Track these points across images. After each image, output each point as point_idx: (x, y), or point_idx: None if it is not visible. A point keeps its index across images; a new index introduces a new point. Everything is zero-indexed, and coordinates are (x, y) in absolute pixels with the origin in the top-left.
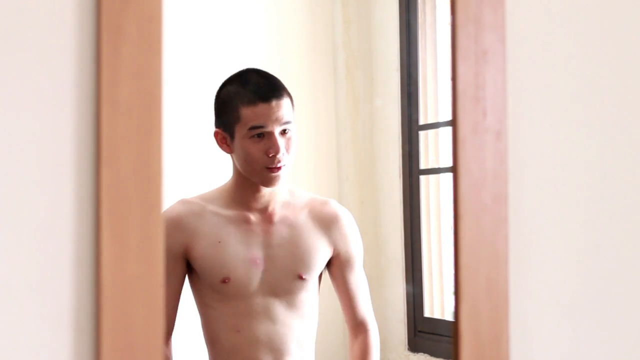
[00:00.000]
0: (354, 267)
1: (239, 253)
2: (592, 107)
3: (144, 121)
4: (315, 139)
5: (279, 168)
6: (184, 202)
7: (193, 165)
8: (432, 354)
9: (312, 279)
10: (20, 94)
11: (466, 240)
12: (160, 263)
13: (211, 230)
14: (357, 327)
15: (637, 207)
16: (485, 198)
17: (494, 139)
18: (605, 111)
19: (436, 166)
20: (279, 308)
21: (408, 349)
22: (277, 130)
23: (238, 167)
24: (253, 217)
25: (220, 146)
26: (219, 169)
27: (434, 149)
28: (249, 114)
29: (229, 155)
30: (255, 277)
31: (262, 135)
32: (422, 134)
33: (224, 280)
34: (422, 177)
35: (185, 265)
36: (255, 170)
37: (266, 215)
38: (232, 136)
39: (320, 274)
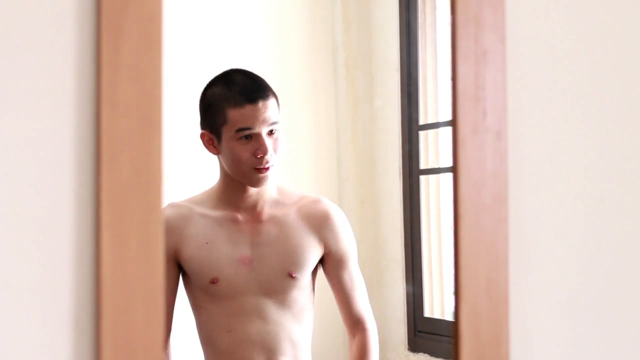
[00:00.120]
0: (346, 265)
1: (227, 253)
2: (592, 107)
3: (144, 121)
4: (315, 139)
5: (267, 168)
6: (172, 205)
7: (193, 165)
8: (432, 354)
9: (303, 277)
10: (21, 94)
11: (466, 240)
12: (160, 263)
13: (199, 231)
14: (355, 326)
15: (637, 207)
16: (485, 198)
17: (494, 139)
18: (606, 111)
19: (436, 166)
20: (270, 307)
21: (408, 349)
22: (264, 131)
23: (225, 168)
24: (241, 216)
25: (207, 148)
26: (218, 169)
27: (434, 149)
28: (235, 115)
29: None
30: (245, 276)
31: (250, 137)
32: (422, 134)
33: (213, 281)
34: (422, 177)
35: (177, 268)
36: (244, 171)
37: (254, 214)
38: (219, 138)
39: (316, 273)
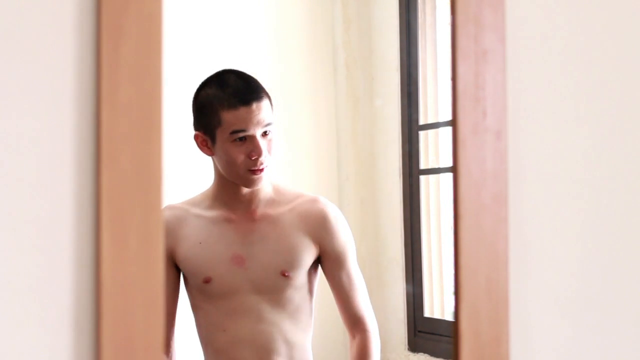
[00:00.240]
0: (343, 265)
1: (220, 252)
2: (592, 107)
3: (144, 121)
4: (315, 139)
5: (262, 170)
6: (169, 207)
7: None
8: (432, 354)
9: (297, 277)
10: (21, 94)
11: (466, 240)
12: (160, 263)
13: (193, 232)
14: (354, 327)
15: (637, 207)
16: (485, 198)
17: (494, 139)
18: (606, 111)
19: (436, 166)
20: (264, 307)
21: (408, 349)
22: (258, 133)
23: (220, 169)
24: (235, 216)
25: (201, 149)
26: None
27: (434, 149)
28: (230, 118)
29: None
30: (238, 275)
31: (244, 139)
32: (422, 134)
33: (206, 280)
34: (422, 177)
35: (175, 269)
36: (238, 173)
37: (248, 213)
38: (213, 139)
39: (315, 274)
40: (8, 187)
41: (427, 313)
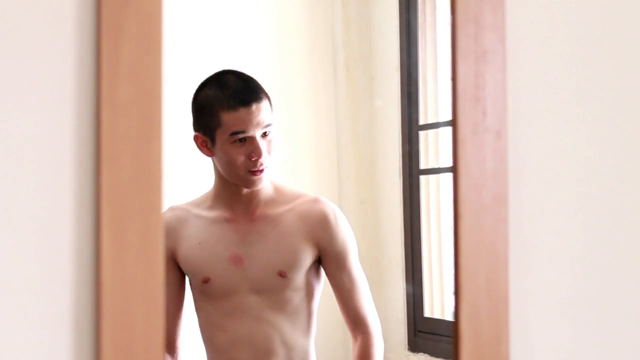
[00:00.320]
0: (343, 266)
1: (218, 252)
2: (592, 107)
3: (144, 121)
4: (315, 139)
5: (262, 171)
6: (171, 209)
7: (193, 165)
8: (432, 354)
9: (295, 277)
10: (21, 94)
11: (466, 240)
12: (160, 263)
13: (193, 232)
14: (356, 328)
15: (637, 207)
16: (485, 198)
17: (494, 139)
18: (606, 111)
19: (436, 166)
20: (263, 307)
21: (408, 349)
22: (258, 134)
23: (220, 170)
24: (235, 216)
25: (201, 150)
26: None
27: (434, 149)
28: (229, 119)
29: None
30: (236, 275)
31: (244, 140)
32: (422, 134)
33: (205, 280)
34: (422, 177)
35: (176, 270)
36: (238, 174)
37: (248, 213)
38: (212, 140)
39: (318, 276)
40: (8, 187)
41: (427, 313)
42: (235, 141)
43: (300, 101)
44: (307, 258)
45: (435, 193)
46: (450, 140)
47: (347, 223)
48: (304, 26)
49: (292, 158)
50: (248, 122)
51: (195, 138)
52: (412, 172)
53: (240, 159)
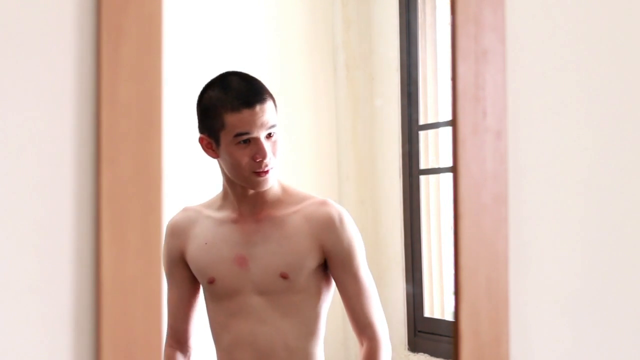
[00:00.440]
0: (349, 269)
1: (223, 253)
2: (592, 107)
3: (144, 121)
4: (315, 139)
5: (266, 172)
6: (185, 209)
7: (193, 166)
8: (432, 354)
9: (298, 279)
10: (21, 94)
11: (466, 240)
12: (160, 263)
13: (201, 233)
14: (361, 334)
15: (637, 207)
16: (485, 198)
17: (494, 139)
18: (606, 111)
19: (436, 166)
20: (266, 309)
21: (408, 349)
22: (262, 135)
23: (226, 172)
24: (241, 216)
25: (206, 151)
26: (218, 170)
27: (434, 149)
28: (233, 120)
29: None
30: (240, 276)
31: (248, 141)
32: (422, 134)
33: (210, 281)
34: (422, 177)
35: (188, 269)
36: (243, 175)
37: (254, 214)
38: (217, 142)
39: (325, 279)
40: (8, 187)
41: (427, 313)
42: (239, 143)
43: (300, 101)
44: (311, 260)
45: (435, 193)
46: (450, 140)
47: (354, 226)
48: (304, 26)
49: (292, 158)
50: (252, 123)
51: (200, 140)
52: (412, 172)
53: (245, 160)
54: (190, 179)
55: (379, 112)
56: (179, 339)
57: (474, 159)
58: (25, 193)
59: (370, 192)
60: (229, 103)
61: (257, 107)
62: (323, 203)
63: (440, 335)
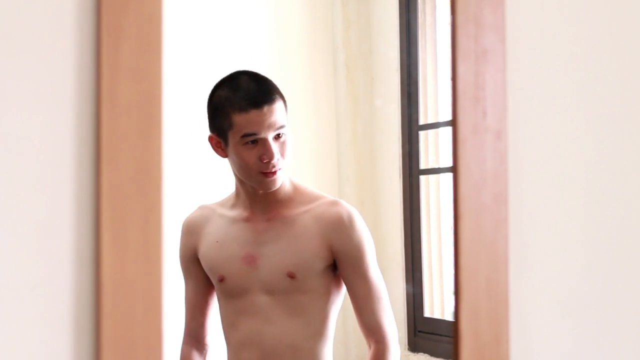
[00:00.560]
0: (357, 270)
1: (233, 251)
2: (592, 107)
3: (144, 121)
4: (315, 139)
5: (274, 172)
6: (200, 207)
7: (193, 166)
8: (432, 354)
9: (305, 279)
10: (21, 94)
11: (466, 240)
12: (160, 263)
13: (213, 231)
14: (369, 336)
15: (637, 207)
16: (485, 198)
17: (494, 139)
18: (606, 111)
19: (436, 166)
20: (272, 308)
21: (408, 349)
22: (270, 136)
23: (234, 171)
24: (252, 215)
25: (216, 151)
26: (218, 170)
27: (434, 149)
28: (241, 121)
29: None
30: (249, 275)
31: (256, 142)
32: (422, 134)
33: (220, 279)
34: (422, 177)
35: (201, 266)
36: (251, 175)
37: (264, 212)
38: (226, 142)
39: (335, 280)
40: (8, 187)
41: (427, 313)
42: (247, 143)
43: (301, 101)
44: (319, 261)
45: (435, 193)
46: (450, 140)
47: (364, 227)
48: (304, 26)
49: (292, 158)
50: (259, 124)
51: (210, 139)
52: (412, 172)
53: (252, 160)
54: (191, 179)
55: (379, 112)
56: (195, 336)
57: (474, 159)
58: (26, 193)
59: (370, 192)
60: (237, 103)
61: (265, 108)
62: (334, 203)
63: (440, 335)
